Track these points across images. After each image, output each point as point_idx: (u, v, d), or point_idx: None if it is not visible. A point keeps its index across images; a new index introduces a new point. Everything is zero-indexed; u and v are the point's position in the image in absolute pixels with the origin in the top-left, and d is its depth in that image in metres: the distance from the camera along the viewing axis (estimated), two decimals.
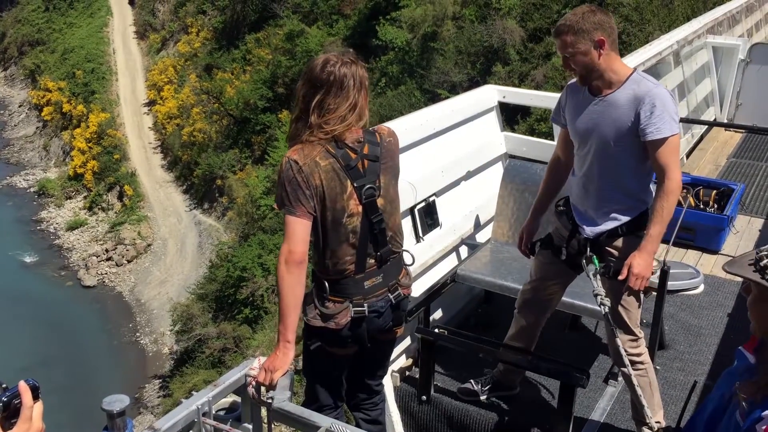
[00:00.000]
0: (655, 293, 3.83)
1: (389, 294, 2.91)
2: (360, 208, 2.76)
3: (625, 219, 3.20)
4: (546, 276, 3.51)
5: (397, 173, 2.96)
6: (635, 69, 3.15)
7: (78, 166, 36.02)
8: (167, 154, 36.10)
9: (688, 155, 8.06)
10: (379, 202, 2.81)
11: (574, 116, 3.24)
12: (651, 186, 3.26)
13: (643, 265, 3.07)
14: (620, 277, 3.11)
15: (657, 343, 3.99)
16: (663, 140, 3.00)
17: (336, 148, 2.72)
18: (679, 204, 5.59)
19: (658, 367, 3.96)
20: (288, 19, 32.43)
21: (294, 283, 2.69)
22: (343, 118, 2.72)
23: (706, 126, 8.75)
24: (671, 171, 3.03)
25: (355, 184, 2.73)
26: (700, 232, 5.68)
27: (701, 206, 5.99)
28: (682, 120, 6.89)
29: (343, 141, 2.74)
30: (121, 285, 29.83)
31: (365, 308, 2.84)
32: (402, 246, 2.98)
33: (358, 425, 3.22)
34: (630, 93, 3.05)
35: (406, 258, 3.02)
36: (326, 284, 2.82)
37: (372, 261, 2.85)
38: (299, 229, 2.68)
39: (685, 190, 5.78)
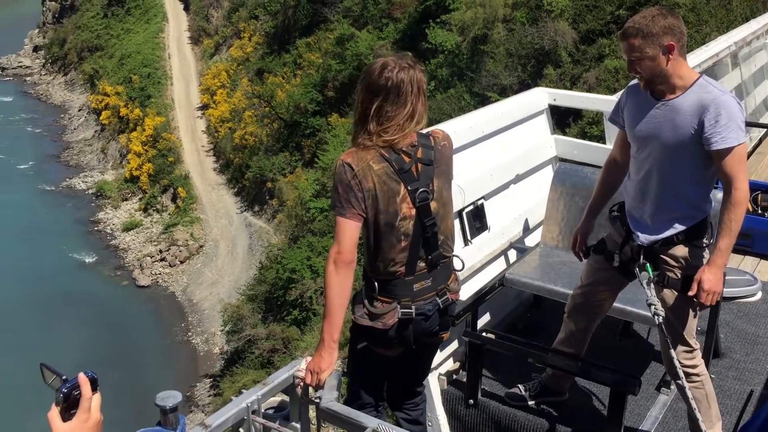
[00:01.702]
0: None
1: (437, 298, 2.90)
2: (413, 212, 2.76)
3: (682, 227, 3.12)
4: (597, 281, 3.46)
5: (451, 177, 2.96)
6: (702, 74, 3.07)
7: (134, 169, 36.95)
8: (219, 157, 36.73)
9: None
10: (433, 206, 2.81)
11: (634, 119, 3.17)
12: (711, 195, 3.18)
13: (713, 280, 2.98)
14: (690, 293, 3.03)
15: (712, 352, 3.89)
16: (729, 150, 2.91)
17: (390, 153, 2.74)
18: None
19: (713, 376, 3.87)
20: (338, 23, 32.66)
21: (341, 283, 2.71)
22: (401, 126, 2.73)
23: (766, 129, 8.50)
24: (738, 181, 2.94)
25: (408, 188, 2.74)
26: (758, 238, 5.53)
27: (759, 211, 5.83)
28: None
29: (397, 146, 2.76)
30: (174, 285, 30.46)
31: (412, 310, 2.84)
32: (453, 251, 2.98)
33: (398, 424, 3.23)
34: (695, 99, 2.96)
35: (456, 263, 3.01)
36: (376, 284, 2.83)
37: (422, 264, 2.84)
38: (348, 230, 2.71)
39: None
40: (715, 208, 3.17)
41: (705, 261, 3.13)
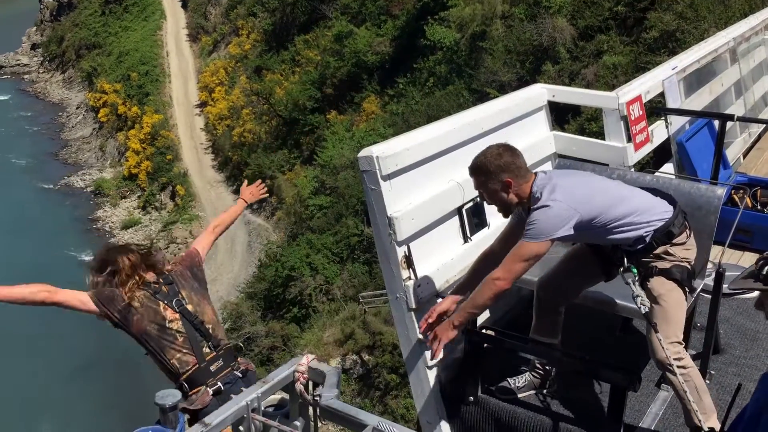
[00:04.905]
0: (709, 296, 3.74)
1: (234, 371, 3.50)
2: (177, 315, 3.50)
3: (648, 235, 3.22)
4: (576, 266, 3.52)
5: (197, 284, 3.70)
6: (536, 174, 3.22)
7: (132, 167, 36.96)
8: (218, 155, 36.73)
9: (745, 155, 7.84)
10: (189, 307, 3.55)
11: None
12: (650, 202, 3.26)
13: (441, 329, 3.20)
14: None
15: (711, 348, 3.89)
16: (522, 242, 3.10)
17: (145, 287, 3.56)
18: (736, 205, 5.45)
19: (712, 372, 3.87)
20: (336, 20, 32.66)
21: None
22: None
23: (765, 124, 8.49)
24: (506, 266, 3.10)
25: (165, 301, 3.52)
26: (757, 233, 5.52)
27: (759, 207, 5.82)
28: (739, 119, 6.69)
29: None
30: None
31: (219, 384, 3.42)
32: (226, 338, 3.67)
33: None
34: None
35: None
36: (185, 384, 3.40)
37: (207, 350, 3.49)
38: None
39: (741, 191, 5.64)
40: (681, 202, 3.29)
41: (691, 249, 3.26)
